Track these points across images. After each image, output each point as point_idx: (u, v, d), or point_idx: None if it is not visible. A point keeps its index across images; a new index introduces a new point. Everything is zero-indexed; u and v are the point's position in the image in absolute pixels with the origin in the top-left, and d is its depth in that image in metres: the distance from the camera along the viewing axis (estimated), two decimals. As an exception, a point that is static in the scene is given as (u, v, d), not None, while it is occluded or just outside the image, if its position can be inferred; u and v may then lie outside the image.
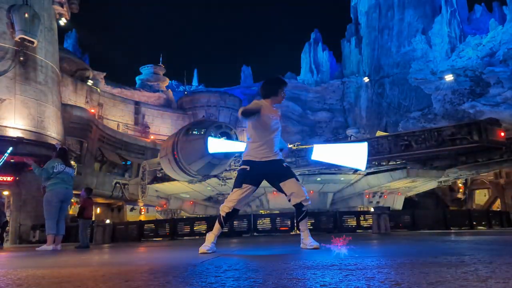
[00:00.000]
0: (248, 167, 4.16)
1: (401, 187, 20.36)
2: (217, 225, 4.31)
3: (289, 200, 4.25)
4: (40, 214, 20.95)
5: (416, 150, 14.99)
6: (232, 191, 4.25)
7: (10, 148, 18.29)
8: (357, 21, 45.70)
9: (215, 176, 17.73)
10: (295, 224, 4.05)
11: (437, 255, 2.93)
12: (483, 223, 16.53)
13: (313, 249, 4.01)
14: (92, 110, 31.64)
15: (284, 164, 4.28)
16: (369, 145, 16.71)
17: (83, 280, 2.28)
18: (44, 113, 21.51)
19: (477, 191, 28.82)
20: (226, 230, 14.34)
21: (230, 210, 4.20)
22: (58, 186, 7.70)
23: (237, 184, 4.20)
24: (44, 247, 7.53)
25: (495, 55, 31.00)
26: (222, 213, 4.24)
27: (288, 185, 4.19)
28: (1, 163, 17.92)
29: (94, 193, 29.62)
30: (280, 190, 4.28)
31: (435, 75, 33.92)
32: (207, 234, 4.36)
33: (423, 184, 20.57)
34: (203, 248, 4.19)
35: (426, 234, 8.86)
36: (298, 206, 4.18)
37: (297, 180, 4.26)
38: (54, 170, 7.67)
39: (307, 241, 4.16)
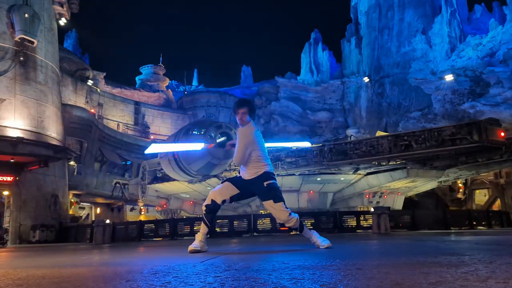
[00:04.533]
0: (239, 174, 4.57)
1: (401, 187, 20.35)
2: (202, 225, 4.50)
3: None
4: (40, 214, 20.95)
5: (416, 150, 14.96)
6: None
7: None
8: (357, 21, 45.60)
9: (215, 176, 17.72)
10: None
11: (437, 255, 2.93)
12: (483, 223, 16.51)
13: (326, 248, 4.08)
14: (92, 110, 31.64)
15: (265, 183, 4.27)
16: (369, 145, 16.55)
17: (83, 280, 2.28)
18: (44, 113, 21.50)
19: (477, 191, 28.77)
20: (226, 230, 14.31)
21: (209, 202, 4.36)
22: None
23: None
24: None
25: (495, 55, 30.96)
26: (203, 211, 4.45)
27: (267, 207, 4.35)
28: None
29: (94, 193, 29.84)
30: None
31: (435, 75, 33.87)
32: (196, 234, 4.52)
33: (423, 184, 20.56)
34: (192, 247, 4.35)
35: (426, 234, 8.86)
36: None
37: (275, 201, 4.22)
38: None
39: (318, 242, 4.28)
